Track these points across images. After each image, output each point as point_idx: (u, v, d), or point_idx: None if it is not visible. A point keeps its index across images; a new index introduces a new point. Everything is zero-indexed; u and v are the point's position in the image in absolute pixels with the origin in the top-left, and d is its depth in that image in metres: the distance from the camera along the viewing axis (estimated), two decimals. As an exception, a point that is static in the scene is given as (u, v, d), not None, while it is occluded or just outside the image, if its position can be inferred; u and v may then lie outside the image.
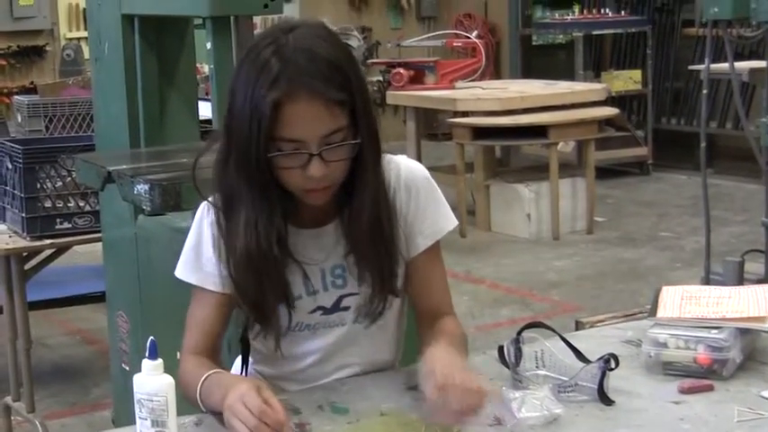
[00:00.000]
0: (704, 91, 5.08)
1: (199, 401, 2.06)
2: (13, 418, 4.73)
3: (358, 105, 2.05)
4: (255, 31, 3.42)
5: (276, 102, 1.99)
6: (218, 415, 1.98)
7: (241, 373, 2.28)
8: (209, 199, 2.17)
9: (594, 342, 2.36)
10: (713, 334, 2.20)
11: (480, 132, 8.02)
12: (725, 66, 5.01)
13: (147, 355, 1.95)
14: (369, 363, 2.27)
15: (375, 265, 2.16)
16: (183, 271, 2.24)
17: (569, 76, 10.04)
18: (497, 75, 11.75)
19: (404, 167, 2.24)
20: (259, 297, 2.14)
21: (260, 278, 2.12)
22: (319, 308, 2.22)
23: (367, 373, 2.24)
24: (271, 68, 2.00)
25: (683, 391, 2.12)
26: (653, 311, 2.30)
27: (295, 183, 2.08)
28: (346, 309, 2.22)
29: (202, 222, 2.21)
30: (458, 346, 2.13)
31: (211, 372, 2.07)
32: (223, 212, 2.14)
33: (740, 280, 4.36)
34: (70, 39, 10.89)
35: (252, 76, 2.02)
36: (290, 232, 2.14)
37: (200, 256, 2.21)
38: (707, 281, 4.74)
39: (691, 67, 8.39)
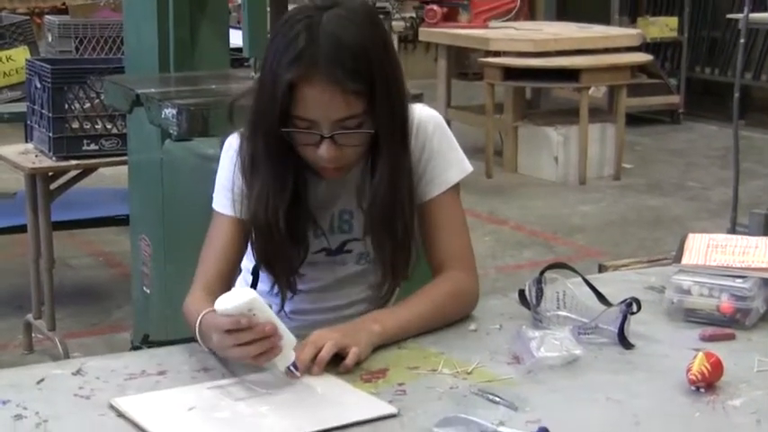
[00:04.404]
0: (741, 40, 5.01)
1: (198, 339, 2.03)
2: (33, 335, 4.78)
3: (378, 95, 2.05)
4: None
5: (292, 82, 2.01)
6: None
7: None
8: (241, 130, 2.19)
9: (617, 286, 2.35)
10: (738, 283, 2.18)
11: (511, 73, 7.96)
12: (764, 15, 4.94)
13: None
14: (366, 300, 2.28)
15: (388, 251, 2.18)
16: (216, 200, 2.26)
17: (605, 20, 9.93)
18: (532, 16, 11.63)
19: (416, 116, 2.22)
20: (264, 260, 2.20)
21: (265, 245, 2.17)
22: (324, 249, 2.25)
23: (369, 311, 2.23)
24: (297, 45, 2.02)
25: (704, 339, 2.11)
26: (678, 258, 2.28)
27: (309, 158, 2.11)
28: (349, 252, 2.26)
29: (229, 151, 2.24)
30: (408, 313, 2.12)
31: (205, 312, 1.99)
32: (248, 173, 2.16)
33: (766, 232, 4.33)
34: (103, -39, 10.85)
35: (281, 46, 2.04)
36: (309, 178, 2.17)
37: (226, 181, 2.22)
38: (733, 232, 4.71)
39: (729, 16, 8.29)
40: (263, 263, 2.22)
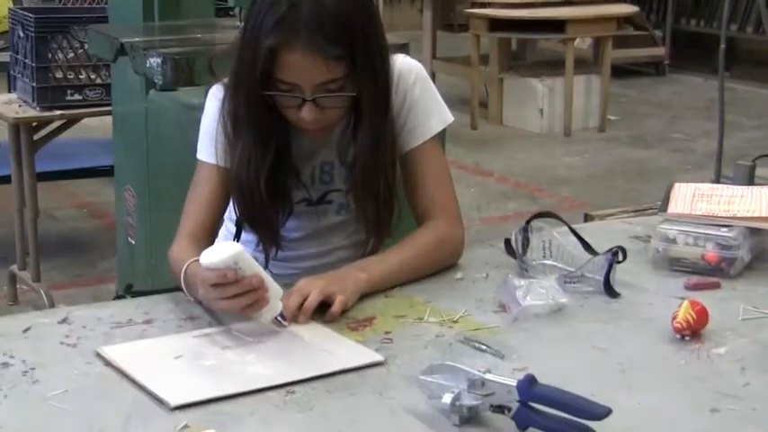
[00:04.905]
0: (727, -9, 5.00)
1: (184, 289, 2.03)
2: (18, 286, 4.77)
3: (360, 59, 2.04)
4: None
5: (273, 47, 2.01)
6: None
7: None
8: (225, 81, 2.18)
9: (603, 235, 2.35)
10: (723, 232, 2.19)
11: (497, 24, 7.93)
12: (750, -34, 4.92)
13: None
14: (346, 248, 2.30)
15: (371, 210, 2.19)
16: (201, 149, 2.24)
17: (590, -29, 9.88)
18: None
19: (397, 67, 2.21)
20: (247, 220, 2.21)
21: (247, 206, 2.17)
22: (305, 200, 2.26)
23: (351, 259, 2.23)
24: (279, 8, 2.01)
25: (689, 288, 2.12)
26: (664, 207, 2.29)
27: (292, 119, 2.11)
28: (330, 202, 2.27)
29: (213, 100, 2.23)
30: (394, 261, 2.13)
31: (192, 260, 1.98)
32: (231, 131, 2.15)
33: (750, 184, 4.34)
34: None
35: (263, 8, 2.04)
36: (292, 132, 2.17)
37: (211, 131, 2.21)
38: (717, 183, 4.72)
39: (714, -33, 8.25)
40: (246, 223, 2.23)
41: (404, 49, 3.28)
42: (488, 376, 1.61)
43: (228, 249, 1.87)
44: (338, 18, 2.02)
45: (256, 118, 2.11)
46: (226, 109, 2.16)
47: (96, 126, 5.64)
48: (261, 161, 2.12)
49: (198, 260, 1.92)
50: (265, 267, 2.18)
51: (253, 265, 1.88)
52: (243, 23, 2.14)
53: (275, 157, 2.14)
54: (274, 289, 1.90)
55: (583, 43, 9.03)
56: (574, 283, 2.09)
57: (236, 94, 2.12)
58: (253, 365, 1.79)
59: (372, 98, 2.11)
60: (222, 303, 1.89)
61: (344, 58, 2.03)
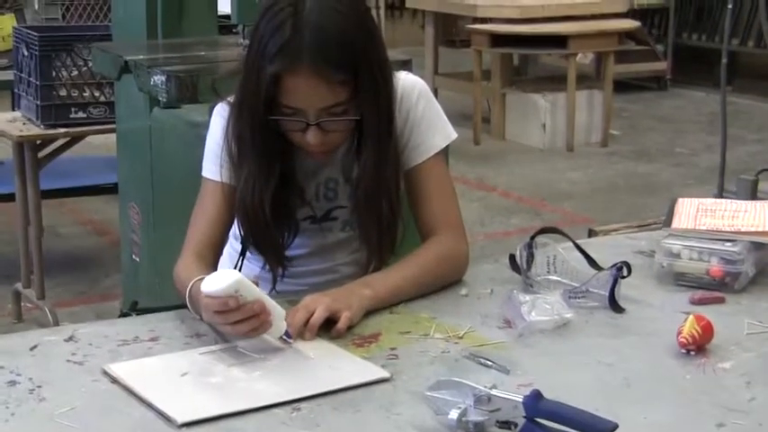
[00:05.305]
0: (729, 6, 5.00)
1: (189, 306, 2.04)
2: (22, 304, 4.77)
3: (363, 83, 2.05)
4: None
5: (276, 74, 2.02)
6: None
7: (236, 266, 2.28)
8: (229, 99, 2.19)
9: (607, 251, 2.36)
10: (727, 247, 2.19)
11: (499, 40, 7.95)
12: (751, -19, 4.93)
13: None
14: (350, 264, 2.30)
15: (374, 232, 2.19)
16: (206, 167, 2.25)
17: (592, -14, 9.90)
18: (519, -17, 11.59)
19: (401, 84, 2.22)
20: (253, 243, 2.22)
21: (252, 230, 2.18)
22: (309, 217, 2.26)
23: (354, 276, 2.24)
24: (282, 34, 2.01)
25: (694, 303, 2.12)
26: (668, 222, 2.29)
27: (296, 142, 2.12)
28: (335, 219, 2.27)
29: (218, 118, 2.23)
30: (399, 277, 2.14)
31: (197, 279, 1.98)
32: (235, 155, 2.16)
33: (753, 198, 4.34)
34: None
35: (266, 33, 2.04)
36: (296, 150, 2.17)
37: (216, 148, 2.21)
38: (720, 198, 4.71)
39: (716, -18, 8.27)
40: (251, 245, 2.23)
41: (406, 65, 3.29)
42: (494, 392, 1.61)
43: (228, 278, 1.87)
44: (341, 43, 2.02)
45: (260, 142, 2.11)
46: (230, 131, 2.16)
47: (100, 144, 5.65)
48: (265, 185, 2.13)
49: (203, 278, 1.92)
50: (273, 287, 2.19)
51: (253, 291, 1.88)
52: (246, 47, 2.14)
53: (279, 178, 2.15)
54: (277, 311, 1.90)
55: (585, 58, 9.05)
56: (579, 298, 2.09)
57: (241, 118, 2.13)
58: (259, 382, 1.80)
59: (376, 119, 2.11)
60: (226, 329, 1.90)
61: (348, 82, 2.04)
